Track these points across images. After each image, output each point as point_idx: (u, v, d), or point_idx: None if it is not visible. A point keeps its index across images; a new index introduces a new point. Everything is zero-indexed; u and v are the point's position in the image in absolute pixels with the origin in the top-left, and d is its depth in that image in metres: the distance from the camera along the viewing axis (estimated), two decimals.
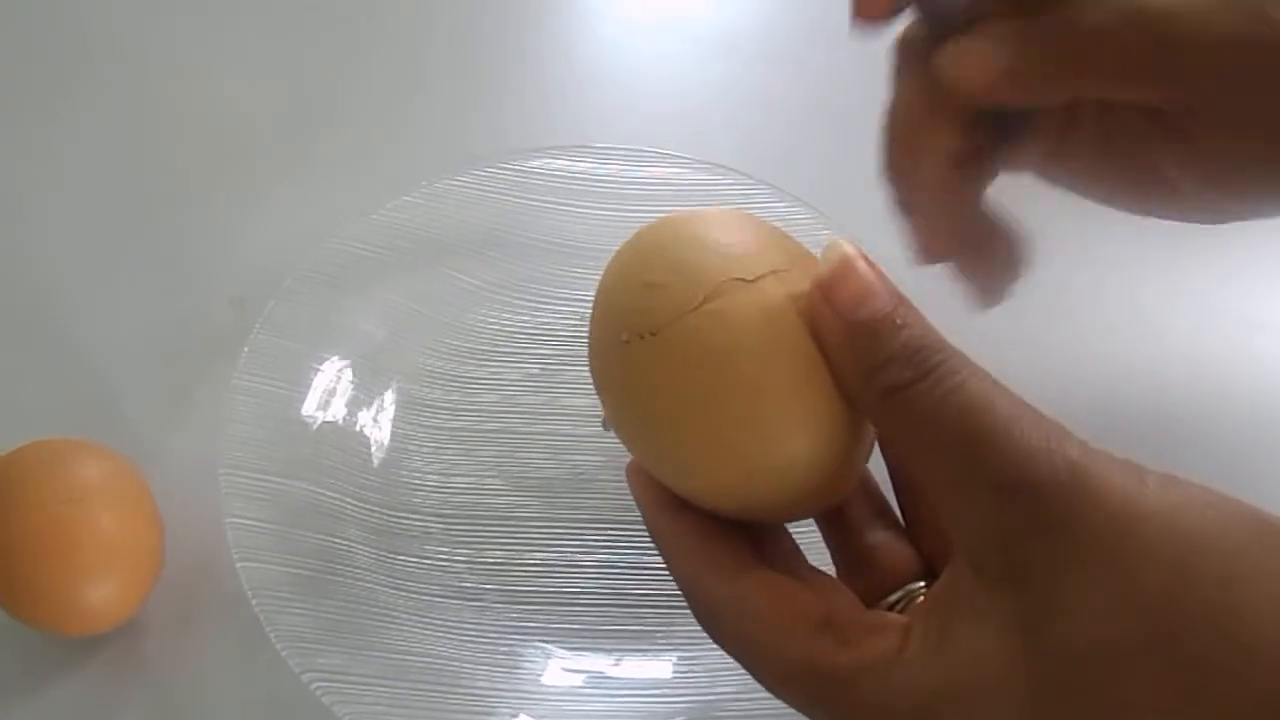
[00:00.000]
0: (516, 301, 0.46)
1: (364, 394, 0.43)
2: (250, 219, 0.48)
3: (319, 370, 0.42)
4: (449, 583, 0.39)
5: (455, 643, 0.38)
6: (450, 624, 0.38)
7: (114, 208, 0.49)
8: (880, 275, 0.22)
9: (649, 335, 0.23)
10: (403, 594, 0.38)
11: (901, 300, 0.22)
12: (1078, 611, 0.19)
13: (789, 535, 0.27)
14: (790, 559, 0.26)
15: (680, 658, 0.38)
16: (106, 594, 0.35)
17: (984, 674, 0.19)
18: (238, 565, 0.36)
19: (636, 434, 0.25)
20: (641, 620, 0.39)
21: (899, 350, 0.21)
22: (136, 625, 0.37)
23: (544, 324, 0.46)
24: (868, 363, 0.22)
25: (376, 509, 0.40)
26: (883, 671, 0.21)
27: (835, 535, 0.27)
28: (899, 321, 0.22)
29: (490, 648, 0.38)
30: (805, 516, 0.26)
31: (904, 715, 0.20)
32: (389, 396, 0.43)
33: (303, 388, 0.41)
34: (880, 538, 0.26)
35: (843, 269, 0.22)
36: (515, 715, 0.36)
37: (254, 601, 0.35)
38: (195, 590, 0.39)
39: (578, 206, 0.47)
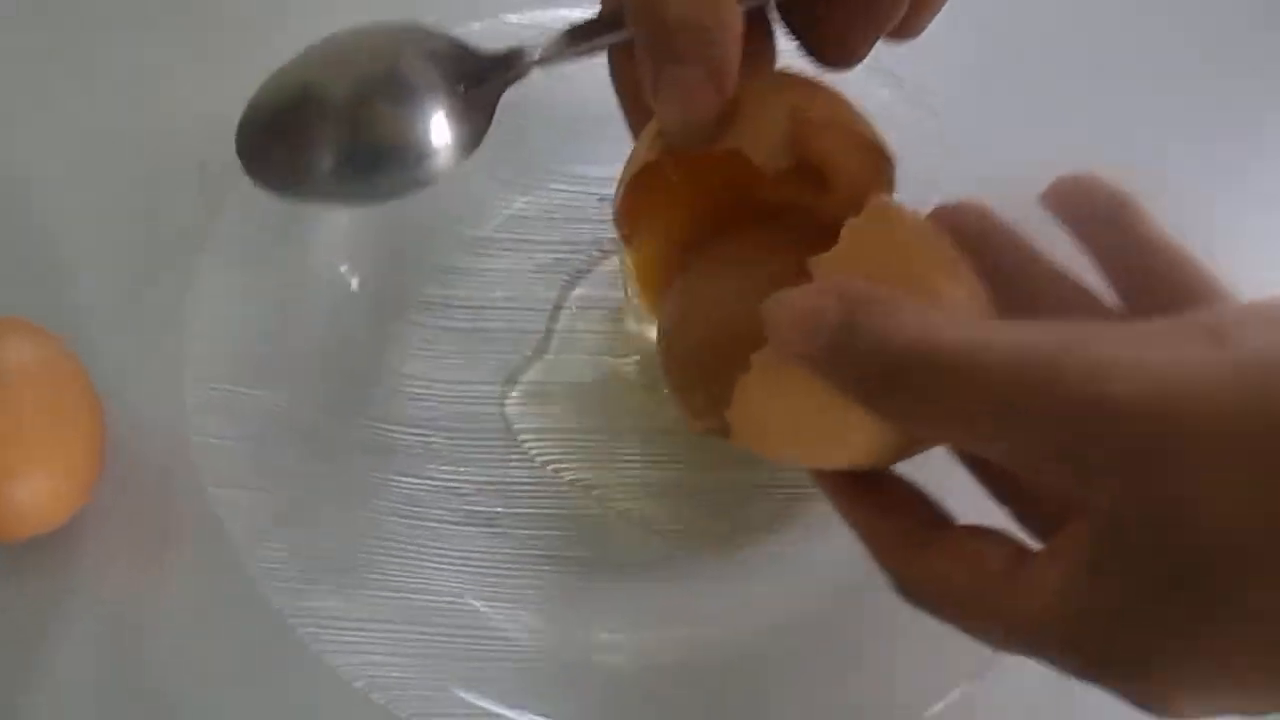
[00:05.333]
0: (522, 180, 0.39)
1: (354, 289, 0.37)
2: (223, 67, 0.41)
3: (301, 258, 0.36)
4: (457, 506, 0.34)
5: (465, 576, 0.32)
6: (459, 554, 0.33)
7: (64, 53, 0.41)
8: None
9: None
10: (403, 520, 0.33)
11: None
12: (1212, 506, 0.18)
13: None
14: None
15: (710, 583, 0.33)
16: (34, 493, 0.30)
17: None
18: (210, 491, 0.31)
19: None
20: (682, 543, 0.34)
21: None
22: (73, 534, 0.32)
23: (555, 206, 0.39)
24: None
25: (371, 423, 0.35)
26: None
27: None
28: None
29: (507, 580, 0.33)
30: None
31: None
32: (383, 291, 0.37)
33: (282, 279, 0.35)
34: None
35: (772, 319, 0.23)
36: (534, 656, 0.31)
37: (232, 534, 0.30)
38: (143, 499, 0.34)
39: (587, 69, 0.40)
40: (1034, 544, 0.22)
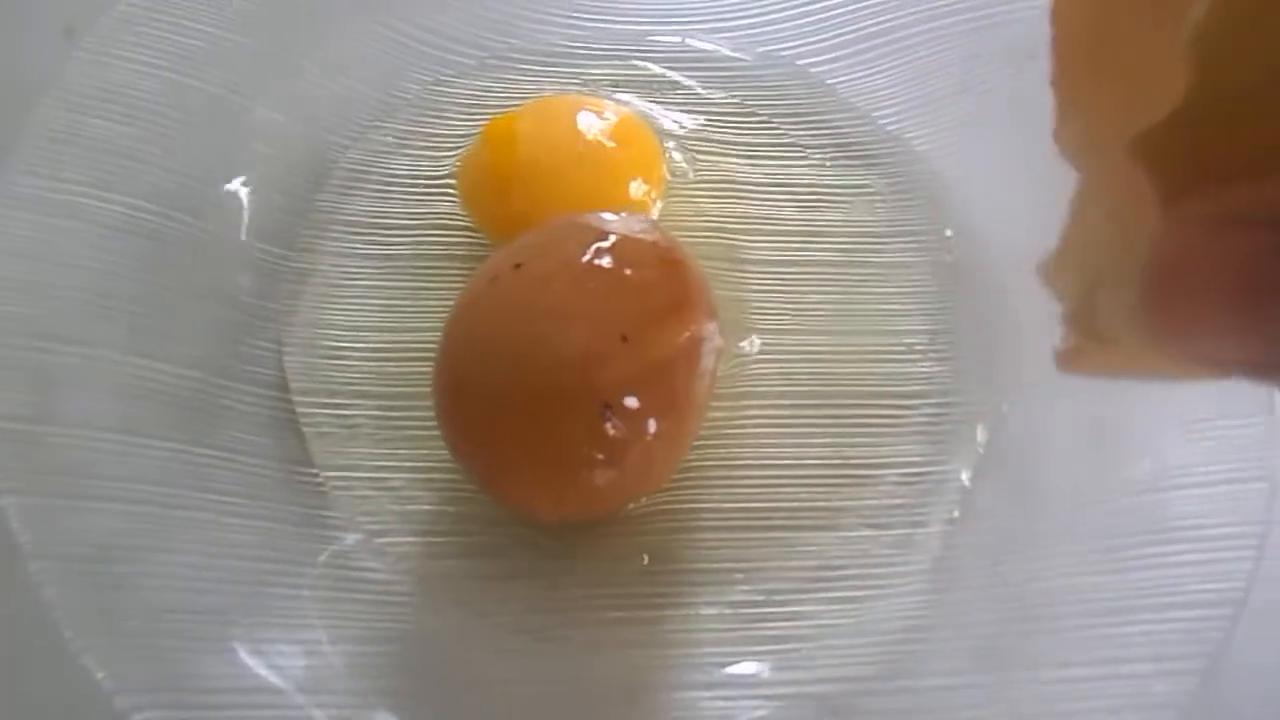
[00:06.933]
0: (468, 58, 0.30)
1: (242, 201, 0.26)
2: None
3: (162, 161, 0.26)
4: (389, 509, 0.24)
5: (397, 625, 0.23)
6: (389, 591, 0.23)
7: None
8: None
9: None
10: (307, 533, 0.23)
11: None
12: None
13: None
14: None
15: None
16: None
17: None
18: (3, 503, 0.20)
19: None
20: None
21: None
22: None
23: (522, 92, 0.29)
24: None
25: (265, 391, 0.25)
26: None
27: None
28: None
29: (460, 626, 0.23)
30: None
31: None
32: (286, 206, 0.27)
33: (131, 188, 0.25)
34: None
35: None
36: None
37: (35, 570, 0.20)
38: None
39: None
40: None
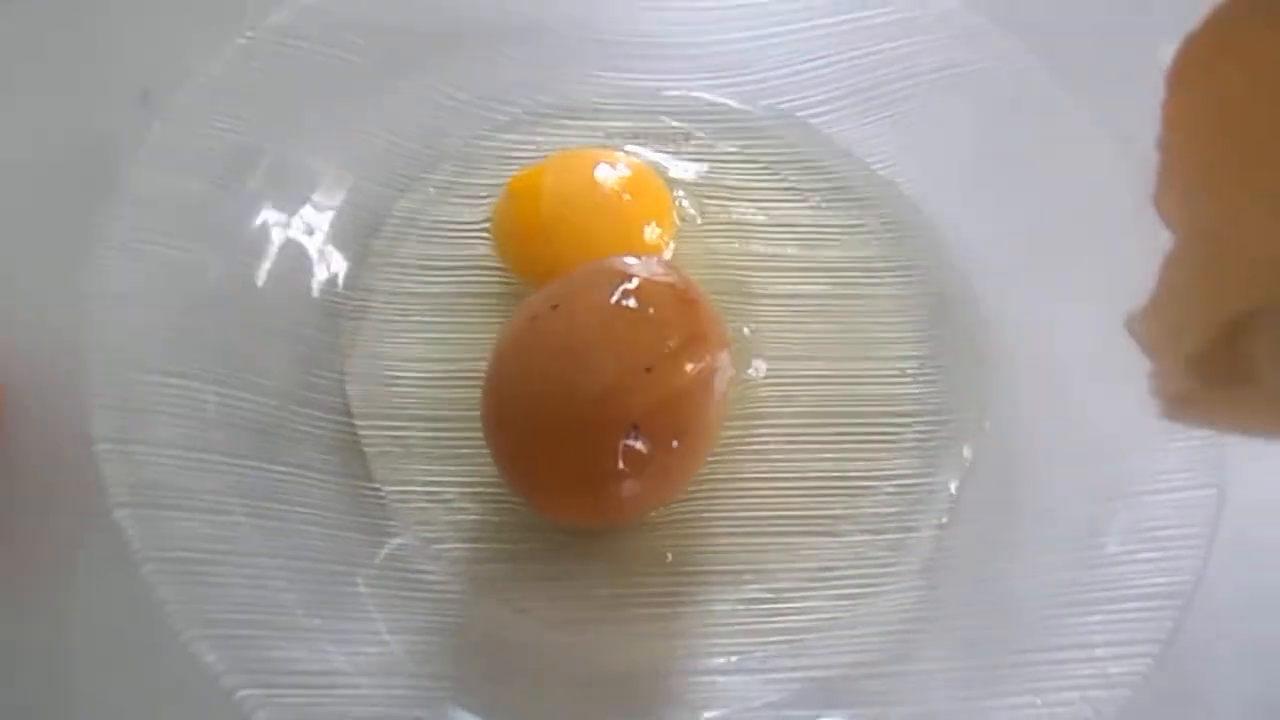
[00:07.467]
0: (503, 114, 0.33)
1: (307, 248, 0.30)
2: None
3: (237, 215, 0.29)
4: (442, 518, 0.27)
5: (450, 619, 0.26)
6: (442, 590, 0.26)
7: None
8: None
9: None
10: (371, 539, 0.26)
11: None
12: None
13: None
14: None
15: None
16: None
17: None
18: (118, 515, 0.24)
19: None
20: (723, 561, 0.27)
21: None
22: None
23: (550, 144, 0.32)
24: None
25: (331, 416, 0.28)
26: None
27: None
28: None
29: (505, 621, 0.26)
30: None
31: None
32: (345, 251, 0.30)
33: (212, 239, 0.28)
34: None
35: None
36: None
37: (147, 572, 0.23)
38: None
39: None
40: None
